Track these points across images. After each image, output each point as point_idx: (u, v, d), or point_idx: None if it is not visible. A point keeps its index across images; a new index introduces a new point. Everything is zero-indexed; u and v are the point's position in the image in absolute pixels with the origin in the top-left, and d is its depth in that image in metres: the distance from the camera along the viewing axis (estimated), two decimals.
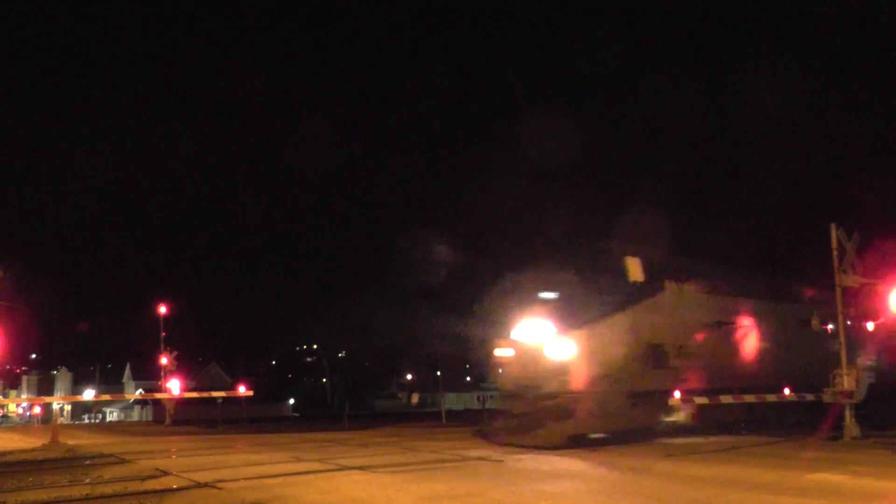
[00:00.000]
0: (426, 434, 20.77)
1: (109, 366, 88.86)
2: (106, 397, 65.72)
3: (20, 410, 75.18)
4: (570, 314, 16.19)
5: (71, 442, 19.45)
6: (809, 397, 17.14)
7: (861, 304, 17.12)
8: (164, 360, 33.20)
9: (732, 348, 19.17)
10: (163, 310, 33.87)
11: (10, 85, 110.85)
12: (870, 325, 17.64)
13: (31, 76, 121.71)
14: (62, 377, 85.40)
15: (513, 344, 17.14)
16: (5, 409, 71.81)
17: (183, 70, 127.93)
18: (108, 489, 10.03)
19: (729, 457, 13.06)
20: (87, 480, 11.18)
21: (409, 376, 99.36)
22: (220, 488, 9.92)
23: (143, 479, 11.02)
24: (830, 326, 18.26)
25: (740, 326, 19.52)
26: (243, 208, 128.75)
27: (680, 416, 17.09)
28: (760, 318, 19.99)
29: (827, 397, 16.35)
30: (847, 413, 15.93)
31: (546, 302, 16.94)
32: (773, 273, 24.48)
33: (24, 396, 79.48)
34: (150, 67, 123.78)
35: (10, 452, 16.70)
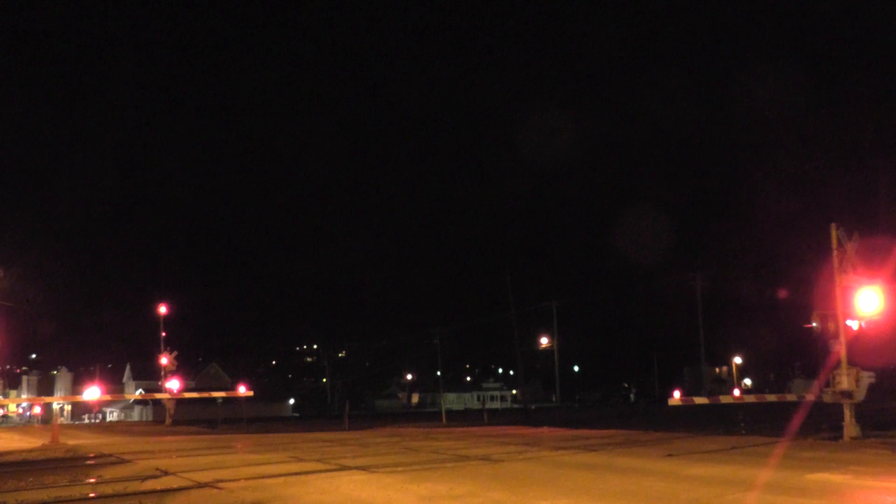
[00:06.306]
0: (426, 434, 20.78)
1: (110, 366, 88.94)
2: (106, 397, 65.71)
3: (20, 410, 75.24)
4: None
5: (71, 442, 19.47)
6: (809, 397, 17.13)
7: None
8: (164, 360, 33.23)
9: None
10: (163, 310, 33.94)
11: (11, 85, 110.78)
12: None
13: (31, 77, 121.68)
14: (62, 377, 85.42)
15: None
16: (6, 409, 71.83)
17: (183, 71, 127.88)
18: (109, 489, 10.05)
19: (729, 456, 13.04)
20: (88, 480, 11.21)
21: (408, 376, 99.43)
22: (220, 488, 9.92)
23: (144, 479, 11.03)
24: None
25: None
26: (243, 209, 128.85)
27: None
28: None
29: (827, 397, 16.33)
30: (847, 413, 15.92)
31: None
32: None
33: (24, 396, 79.59)
34: (149, 68, 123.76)
35: (11, 452, 16.71)
